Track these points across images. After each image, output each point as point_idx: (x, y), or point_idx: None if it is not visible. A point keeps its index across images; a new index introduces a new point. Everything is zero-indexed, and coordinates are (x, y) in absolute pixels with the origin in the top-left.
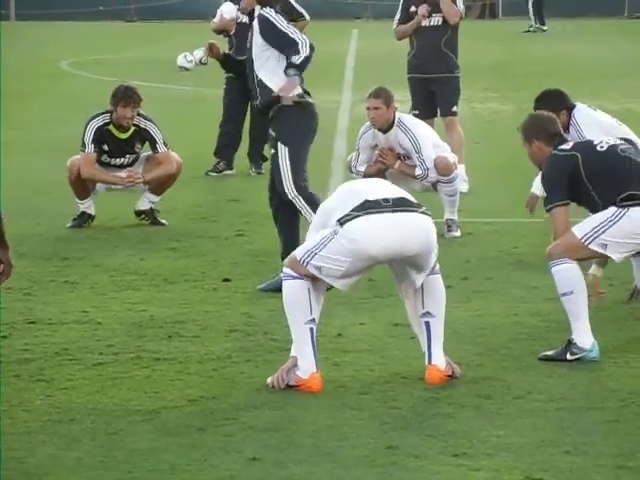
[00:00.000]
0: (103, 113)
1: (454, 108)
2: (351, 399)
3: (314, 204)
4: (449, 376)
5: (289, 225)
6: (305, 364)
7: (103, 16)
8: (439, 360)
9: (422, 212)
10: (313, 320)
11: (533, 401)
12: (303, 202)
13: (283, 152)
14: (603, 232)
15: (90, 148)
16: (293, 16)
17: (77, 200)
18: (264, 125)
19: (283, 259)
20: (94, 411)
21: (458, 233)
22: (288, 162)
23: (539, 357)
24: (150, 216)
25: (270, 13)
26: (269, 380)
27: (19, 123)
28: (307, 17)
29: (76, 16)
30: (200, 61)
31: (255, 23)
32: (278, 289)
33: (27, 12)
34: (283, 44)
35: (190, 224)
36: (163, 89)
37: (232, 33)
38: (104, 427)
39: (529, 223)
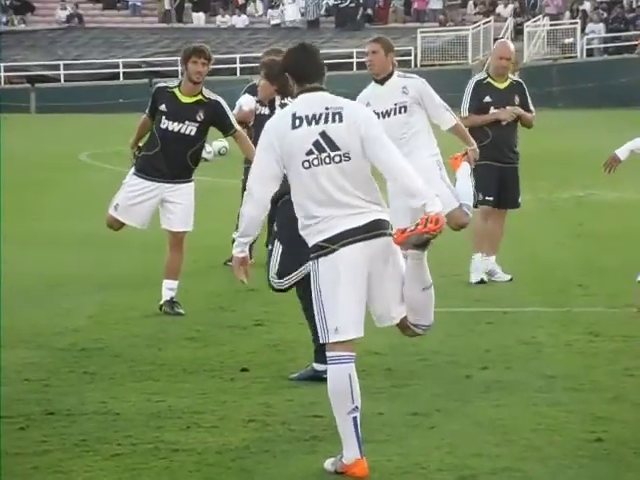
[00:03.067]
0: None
1: (520, 199)
2: None
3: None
4: None
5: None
6: (349, 453)
7: (123, 108)
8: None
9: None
10: (355, 409)
11: None
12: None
13: (277, 249)
14: None
15: (147, 110)
16: None
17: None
18: None
19: (315, 341)
20: None
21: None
22: (278, 261)
23: None
24: (169, 307)
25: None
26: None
27: (36, 215)
28: None
29: (95, 109)
30: (219, 152)
31: None
32: (311, 378)
33: (47, 104)
34: None
35: (208, 314)
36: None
37: (251, 124)
38: None
39: (545, 312)
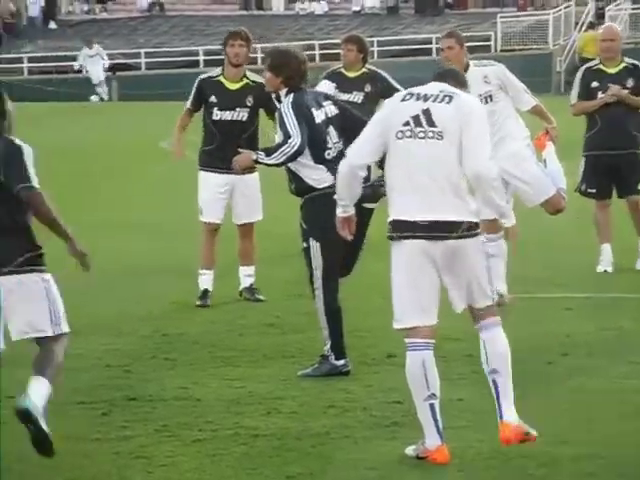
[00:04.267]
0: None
1: None
2: (450, 476)
3: (329, 311)
4: (525, 435)
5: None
6: (430, 440)
7: None
8: (510, 417)
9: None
10: (432, 395)
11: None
12: (321, 300)
13: (315, 247)
14: None
15: (188, 103)
16: (390, 93)
17: (200, 270)
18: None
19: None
20: None
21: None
22: (320, 258)
23: None
24: (249, 293)
25: (288, 101)
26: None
27: (118, 203)
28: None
29: (176, 96)
30: None
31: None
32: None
33: (128, 92)
34: (281, 132)
35: (287, 301)
36: None
37: None
38: None
39: (628, 299)
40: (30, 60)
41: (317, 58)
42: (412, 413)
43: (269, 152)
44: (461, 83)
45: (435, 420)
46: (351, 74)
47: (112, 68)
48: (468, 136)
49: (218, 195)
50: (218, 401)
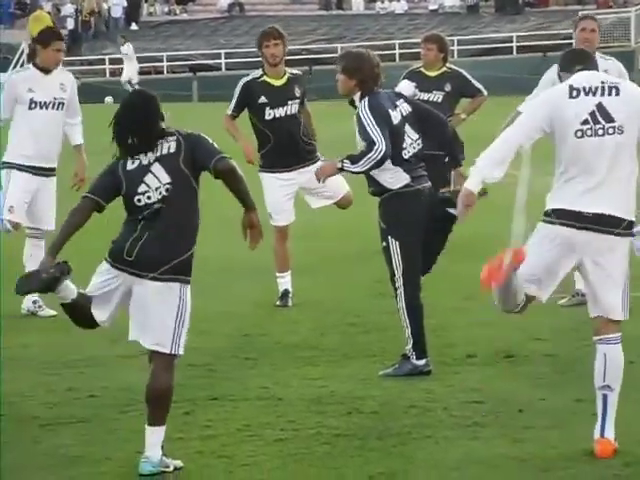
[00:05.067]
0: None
1: None
2: (532, 476)
3: (411, 310)
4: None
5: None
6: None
7: None
8: (611, 434)
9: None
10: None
11: None
12: (403, 299)
13: (394, 246)
14: None
15: (230, 108)
16: (470, 92)
17: (277, 274)
18: None
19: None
20: None
21: None
22: (400, 257)
23: None
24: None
25: (364, 105)
26: None
27: (211, 202)
28: (484, 93)
29: None
30: None
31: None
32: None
33: (209, 93)
34: (363, 138)
35: (369, 300)
36: None
37: None
38: None
39: None
40: (111, 62)
41: (397, 57)
42: (494, 412)
43: (354, 160)
44: (597, 66)
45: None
46: (431, 73)
47: (193, 69)
48: None
49: (284, 196)
50: (300, 400)
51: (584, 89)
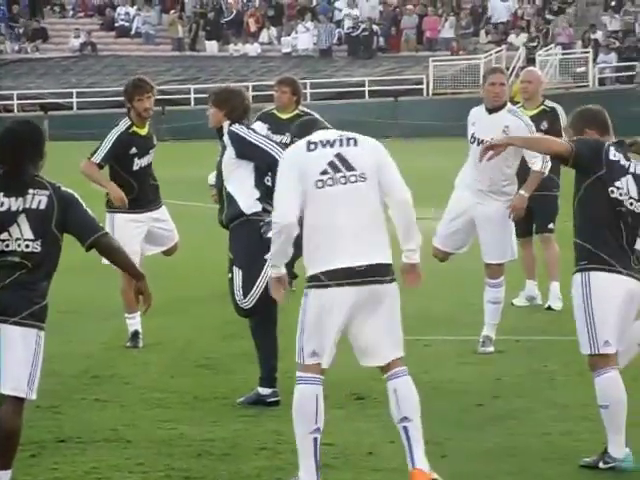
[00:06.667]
0: (122, 121)
1: (550, 225)
2: None
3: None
4: None
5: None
6: (306, 476)
7: None
8: (422, 464)
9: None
10: (318, 429)
11: None
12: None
13: (237, 275)
14: None
15: (99, 158)
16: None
17: (126, 314)
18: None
19: (261, 368)
20: None
21: (491, 349)
22: (241, 284)
23: (580, 464)
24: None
25: (239, 127)
26: None
27: None
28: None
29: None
30: None
31: (225, 139)
32: (255, 402)
33: (60, 132)
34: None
35: (220, 342)
36: (196, 207)
37: None
38: None
39: (558, 341)
40: None
41: (250, 99)
42: (347, 454)
43: None
44: (324, 128)
45: (316, 456)
46: (284, 115)
47: (44, 107)
48: (388, 171)
49: (137, 236)
50: (149, 442)
51: (321, 142)
